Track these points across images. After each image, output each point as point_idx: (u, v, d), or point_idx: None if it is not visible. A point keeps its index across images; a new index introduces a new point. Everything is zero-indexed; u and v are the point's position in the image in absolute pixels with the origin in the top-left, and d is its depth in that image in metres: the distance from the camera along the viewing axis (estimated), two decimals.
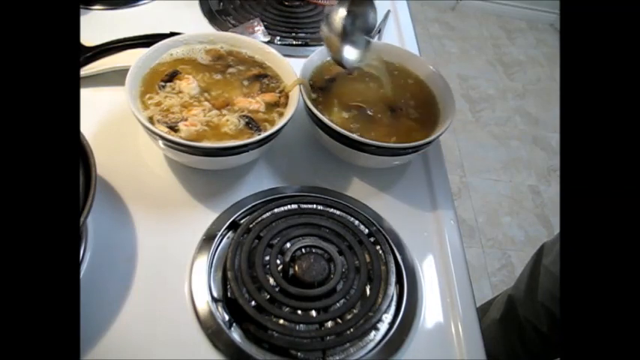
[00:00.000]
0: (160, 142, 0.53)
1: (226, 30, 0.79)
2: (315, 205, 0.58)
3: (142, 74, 0.59)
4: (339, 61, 0.61)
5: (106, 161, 0.54)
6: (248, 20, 0.81)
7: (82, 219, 0.41)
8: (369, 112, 0.63)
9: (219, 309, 0.48)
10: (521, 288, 0.96)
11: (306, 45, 0.80)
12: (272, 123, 0.57)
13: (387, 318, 0.50)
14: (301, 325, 0.48)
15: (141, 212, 0.55)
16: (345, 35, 0.60)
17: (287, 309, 0.48)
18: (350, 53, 0.61)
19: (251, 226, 0.54)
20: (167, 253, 0.52)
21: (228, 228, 0.54)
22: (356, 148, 0.58)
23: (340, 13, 0.59)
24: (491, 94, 2.27)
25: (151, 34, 0.69)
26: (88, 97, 0.64)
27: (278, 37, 0.80)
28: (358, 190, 0.62)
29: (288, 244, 0.53)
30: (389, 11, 0.92)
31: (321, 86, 0.64)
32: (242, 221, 0.55)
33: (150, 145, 0.58)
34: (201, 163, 0.58)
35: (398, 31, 0.89)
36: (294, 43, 0.80)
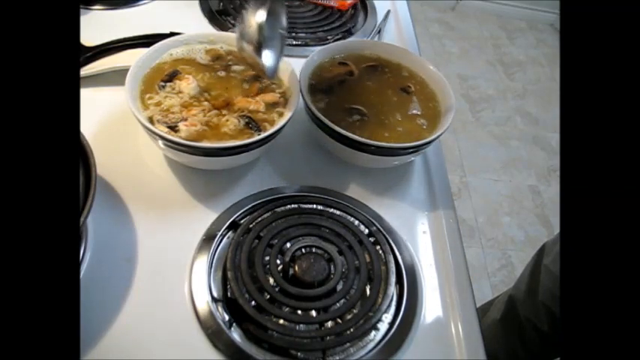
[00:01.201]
0: (160, 142, 0.53)
1: (226, 30, 0.79)
2: (315, 205, 0.58)
3: (142, 74, 0.59)
4: (257, 70, 0.55)
5: (106, 161, 0.54)
6: None
7: (82, 219, 0.41)
8: (369, 113, 0.63)
9: (219, 309, 0.48)
10: (522, 288, 0.96)
11: (306, 45, 0.81)
12: (272, 123, 0.57)
13: (387, 318, 0.50)
14: (301, 325, 0.48)
15: (141, 212, 0.55)
16: (264, 41, 0.52)
17: (287, 309, 0.48)
18: (269, 58, 0.55)
19: (251, 226, 0.54)
20: (167, 253, 0.52)
21: (228, 228, 0.54)
22: (356, 148, 0.58)
23: (258, 18, 0.51)
24: (491, 94, 2.27)
25: (150, 34, 0.69)
26: (88, 97, 0.64)
27: None
28: (358, 190, 0.62)
29: (288, 244, 0.53)
30: (389, 11, 0.92)
31: (321, 87, 0.64)
32: (242, 221, 0.55)
33: (150, 145, 0.58)
34: (201, 163, 0.58)
35: (398, 31, 0.89)
36: (294, 43, 0.80)
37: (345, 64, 0.68)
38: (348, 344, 0.48)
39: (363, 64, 0.69)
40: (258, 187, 0.60)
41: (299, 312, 0.48)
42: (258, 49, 0.52)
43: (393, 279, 0.52)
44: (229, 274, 0.49)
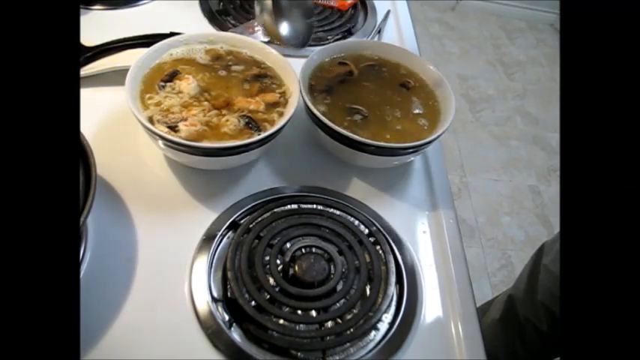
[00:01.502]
0: (160, 142, 0.53)
1: (226, 30, 0.79)
2: (315, 205, 0.58)
3: (142, 74, 0.59)
4: (278, 40, 0.57)
5: (106, 161, 0.54)
6: (248, 20, 0.81)
7: (82, 219, 0.41)
8: (369, 113, 0.63)
9: (219, 309, 0.48)
10: (521, 287, 0.96)
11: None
12: (272, 123, 0.57)
13: (387, 318, 0.50)
14: (301, 325, 0.48)
15: (141, 212, 0.55)
16: (281, 12, 0.56)
17: (287, 309, 0.48)
18: (288, 31, 0.58)
19: (251, 226, 0.54)
20: (167, 253, 0.52)
21: (228, 228, 0.54)
22: (356, 148, 0.58)
23: None
24: (491, 94, 2.27)
25: (150, 34, 0.69)
26: (88, 97, 0.64)
27: None
28: (358, 190, 0.62)
29: (288, 244, 0.53)
30: (389, 11, 0.92)
31: (321, 87, 0.64)
32: (242, 221, 0.55)
33: (150, 145, 0.58)
34: (201, 163, 0.58)
35: (398, 31, 0.89)
36: None
37: (345, 63, 0.68)
38: (348, 344, 0.48)
39: (362, 63, 0.69)
40: (258, 187, 0.60)
41: (299, 312, 0.48)
42: (275, 20, 0.55)
43: (393, 279, 0.52)
44: (229, 274, 0.49)
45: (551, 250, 0.90)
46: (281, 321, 0.47)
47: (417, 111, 0.64)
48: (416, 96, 0.66)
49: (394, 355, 0.48)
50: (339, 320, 0.49)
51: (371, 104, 0.64)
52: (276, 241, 0.53)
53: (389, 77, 0.68)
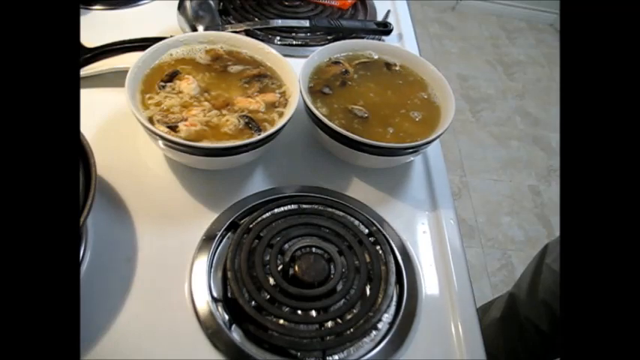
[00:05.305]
0: (160, 142, 0.53)
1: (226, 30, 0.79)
2: (315, 205, 0.58)
3: (142, 74, 0.59)
4: None
5: (106, 161, 0.54)
6: (248, 20, 0.81)
7: (82, 219, 0.41)
8: (369, 113, 0.63)
9: (219, 309, 0.48)
10: (523, 287, 0.96)
11: (306, 45, 0.80)
12: (272, 123, 0.57)
13: (387, 318, 0.50)
14: (301, 325, 0.48)
15: (141, 212, 0.55)
16: None
17: (287, 309, 0.48)
18: None
19: (251, 226, 0.54)
20: (167, 253, 0.52)
21: (228, 228, 0.54)
22: (356, 148, 0.58)
23: None
24: (491, 94, 2.27)
25: (151, 37, 0.68)
26: (88, 97, 0.64)
27: (278, 37, 0.80)
28: (358, 190, 0.62)
29: (288, 244, 0.53)
30: (389, 11, 0.92)
31: (321, 86, 0.64)
32: (242, 221, 0.55)
33: (150, 145, 0.58)
34: (201, 163, 0.58)
35: (398, 31, 0.89)
36: (294, 43, 0.80)
37: (338, 62, 0.68)
38: (348, 344, 0.48)
39: (355, 61, 0.69)
40: (258, 187, 0.60)
41: (299, 312, 0.48)
42: None
43: (393, 279, 0.52)
44: (229, 274, 0.49)
45: (554, 250, 0.90)
46: (281, 321, 0.47)
47: (416, 111, 0.64)
48: (415, 95, 0.66)
49: (394, 355, 0.48)
50: (339, 320, 0.49)
51: (371, 104, 0.64)
52: (276, 241, 0.53)
53: (389, 78, 0.68)
